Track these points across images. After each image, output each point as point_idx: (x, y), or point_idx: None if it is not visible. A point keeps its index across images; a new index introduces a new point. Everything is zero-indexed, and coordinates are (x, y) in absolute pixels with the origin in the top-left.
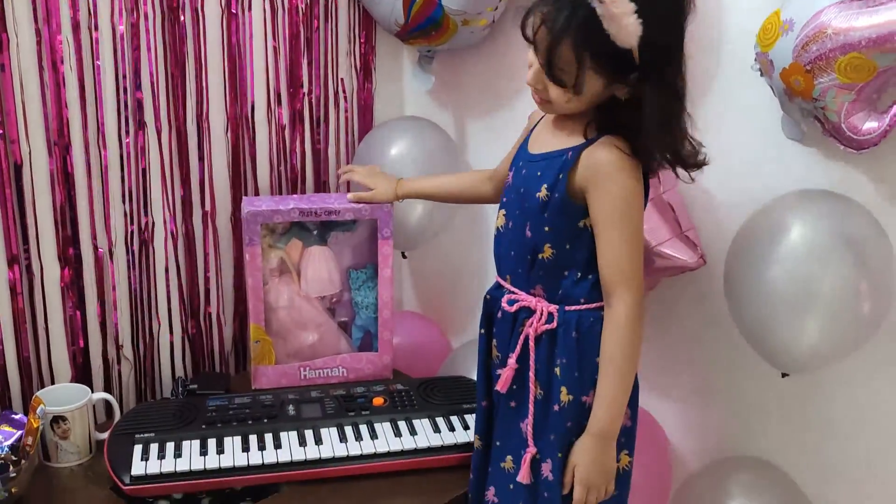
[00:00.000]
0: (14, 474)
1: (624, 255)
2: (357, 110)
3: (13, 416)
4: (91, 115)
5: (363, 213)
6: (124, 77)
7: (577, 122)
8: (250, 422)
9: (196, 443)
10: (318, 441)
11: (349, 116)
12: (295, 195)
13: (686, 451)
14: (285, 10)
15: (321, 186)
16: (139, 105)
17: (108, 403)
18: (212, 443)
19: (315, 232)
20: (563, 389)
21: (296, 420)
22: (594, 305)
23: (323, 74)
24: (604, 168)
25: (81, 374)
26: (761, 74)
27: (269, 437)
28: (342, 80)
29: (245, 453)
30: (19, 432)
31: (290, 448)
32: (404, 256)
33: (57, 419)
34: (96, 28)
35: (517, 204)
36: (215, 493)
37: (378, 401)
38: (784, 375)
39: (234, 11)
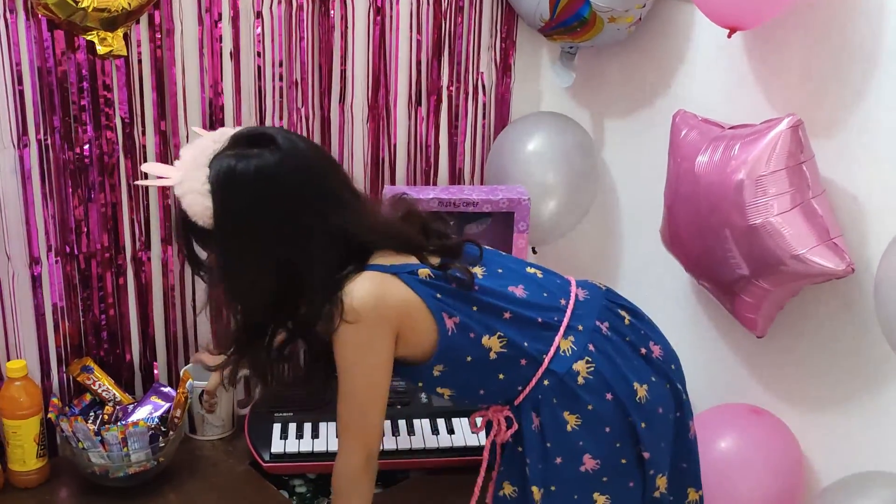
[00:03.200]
0: (162, 444)
1: (344, 407)
2: (494, 105)
3: (162, 388)
4: (245, 100)
5: (500, 205)
6: (277, 65)
7: None
8: None
9: (332, 425)
10: (451, 430)
11: (486, 111)
12: (433, 186)
13: (821, 463)
14: (430, 4)
15: (455, 179)
16: (291, 92)
17: (246, 381)
18: None
19: (451, 223)
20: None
21: (428, 408)
22: (533, 382)
23: (463, 68)
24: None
25: None
26: None
27: (402, 424)
28: (482, 74)
29: None
30: (168, 404)
31: (423, 435)
32: (534, 251)
33: (203, 393)
34: (256, 16)
35: None
36: None
37: None
38: None
39: (379, 5)
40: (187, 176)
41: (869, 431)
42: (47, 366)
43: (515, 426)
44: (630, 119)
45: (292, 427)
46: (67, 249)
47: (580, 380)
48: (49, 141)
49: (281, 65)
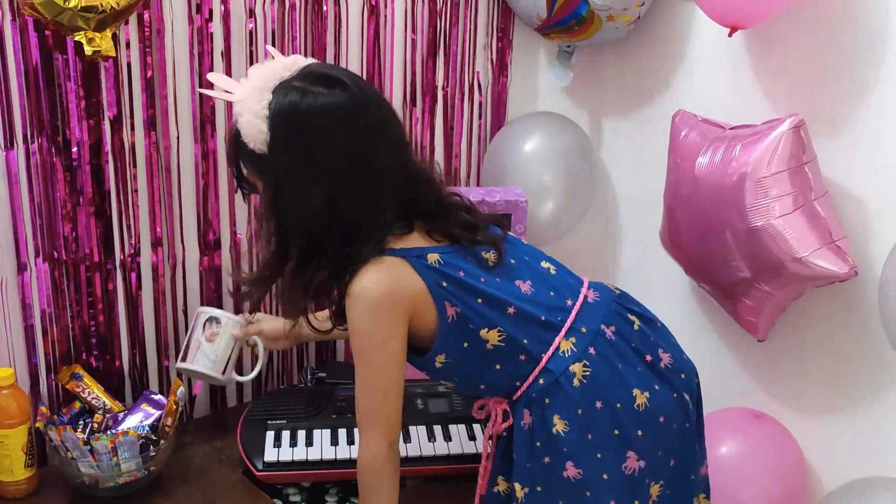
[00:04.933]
0: (153, 453)
1: (364, 395)
2: (491, 105)
3: (153, 396)
4: None
5: (497, 207)
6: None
7: None
8: None
9: (327, 432)
10: (447, 437)
11: (483, 111)
12: None
13: (823, 468)
14: (424, 3)
15: (451, 180)
16: None
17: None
18: (342, 433)
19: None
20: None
21: (424, 414)
22: (530, 380)
23: (459, 68)
24: (346, 306)
25: None
26: None
27: None
28: (478, 73)
29: None
30: (159, 413)
31: (419, 443)
32: None
33: (211, 319)
34: (248, 15)
35: None
36: (343, 483)
37: None
38: None
39: (374, 3)
40: (251, 96)
41: (872, 436)
42: (35, 373)
43: (511, 420)
44: (629, 119)
45: (286, 435)
46: (55, 254)
47: (575, 382)
48: (36, 144)
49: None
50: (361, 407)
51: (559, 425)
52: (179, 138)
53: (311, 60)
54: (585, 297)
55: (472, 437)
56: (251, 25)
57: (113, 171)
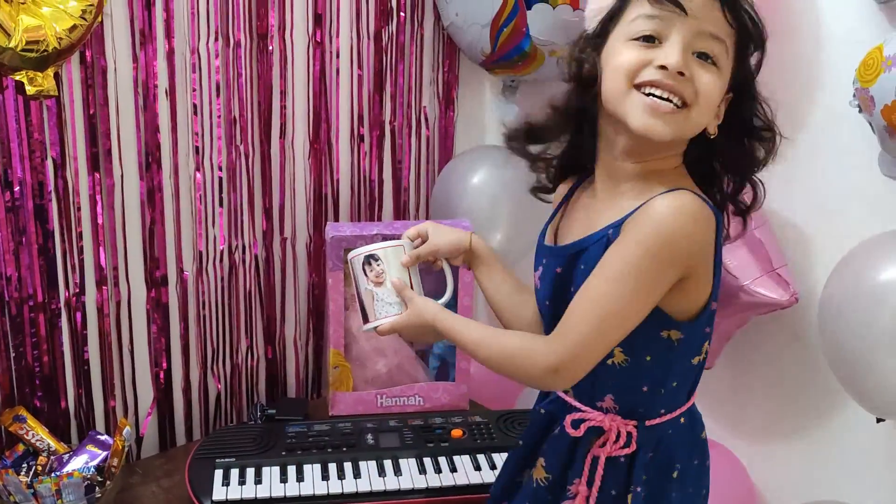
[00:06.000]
0: (99, 495)
1: (588, 312)
2: (438, 138)
3: (99, 436)
4: (182, 138)
5: None
6: (214, 102)
7: (633, 181)
8: (330, 450)
9: (276, 469)
10: (398, 472)
11: (430, 144)
12: (377, 222)
13: (772, 493)
14: (370, 38)
15: (400, 214)
16: (228, 130)
17: None
18: (291, 470)
19: None
20: None
21: (375, 449)
22: (675, 413)
23: (405, 103)
24: (646, 214)
25: (163, 395)
26: (860, 111)
27: (348, 466)
28: (425, 108)
29: (325, 482)
30: (105, 453)
31: (369, 478)
32: None
33: (368, 260)
34: (192, 53)
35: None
36: None
37: (457, 433)
38: (879, 420)
39: (319, 40)
40: None
41: (818, 460)
42: None
43: (633, 447)
44: None
45: (234, 473)
46: None
47: (704, 434)
48: None
49: (219, 102)
50: (570, 315)
51: (678, 468)
52: (124, 176)
53: None
54: None
55: (423, 471)
56: (195, 65)
57: (56, 211)
